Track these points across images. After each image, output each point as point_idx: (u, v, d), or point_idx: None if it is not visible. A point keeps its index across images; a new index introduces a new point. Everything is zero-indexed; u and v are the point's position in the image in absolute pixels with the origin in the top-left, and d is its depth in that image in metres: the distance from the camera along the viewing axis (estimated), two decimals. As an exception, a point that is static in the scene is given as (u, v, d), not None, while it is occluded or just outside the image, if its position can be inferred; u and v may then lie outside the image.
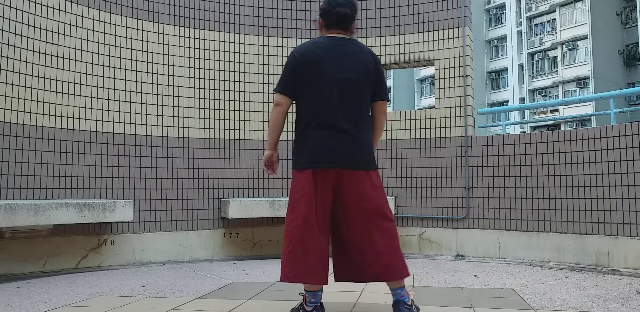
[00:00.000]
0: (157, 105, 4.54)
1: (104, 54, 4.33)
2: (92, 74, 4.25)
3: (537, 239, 4.21)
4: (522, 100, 31.90)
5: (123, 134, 4.36)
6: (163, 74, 4.60)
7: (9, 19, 3.82)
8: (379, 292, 3.05)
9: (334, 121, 2.28)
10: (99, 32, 4.32)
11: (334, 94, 2.30)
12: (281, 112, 2.39)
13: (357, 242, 2.31)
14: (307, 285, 2.32)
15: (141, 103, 4.48)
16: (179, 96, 4.64)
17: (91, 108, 4.23)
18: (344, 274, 2.40)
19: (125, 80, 4.42)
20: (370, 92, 2.40)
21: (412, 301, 2.34)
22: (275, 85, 2.53)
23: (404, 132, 4.88)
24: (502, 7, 34.63)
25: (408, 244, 4.76)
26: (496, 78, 34.84)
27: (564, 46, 29.98)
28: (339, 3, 2.41)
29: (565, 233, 4.07)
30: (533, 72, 32.27)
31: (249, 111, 4.89)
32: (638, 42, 27.67)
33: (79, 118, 4.16)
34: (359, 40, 5.02)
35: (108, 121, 4.31)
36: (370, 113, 2.45)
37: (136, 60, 4.48)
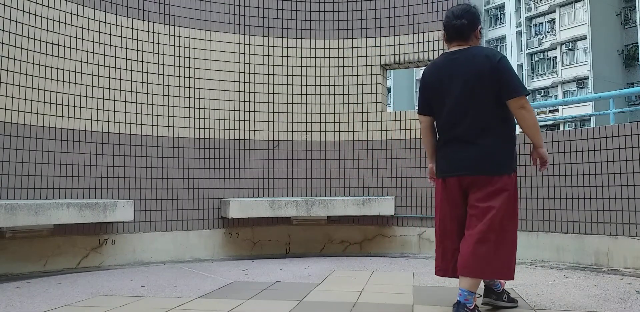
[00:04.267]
0: (158, 105, 4.55)
1: (104, 54, 4.33)
2: (92, 74, 4.26)
3: (536, 239, 4.22)
4: (521, 100, 31.84)
5: (123, 134, 4.37)
6: (163, 74, 4.60)
7: (9, 19, 3.82)
8: (379, 292, 3.06)
9: (455, 133, 2.45)
10: (99, 32, 4.32)
11: (451, 108, 2.44)
12: (425, 129, 2.66)
13: (462, 242, 2.42)
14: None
15: (142, 103, 4.48)
16: (179, 96, 4.65)
17: (91, 108, 4.24)
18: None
19: (126, 80, 4.42)
20: (493, 94, 2.38)
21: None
22: None
23: (404, 132, 4.89)
24: (501, 7, 34.65)
25: (408, 244, 4.77)
26: (496, 78, 34.77)
27: (563, 46, 30.01)
28: (456, 15, 2.48)
29: (565, 233, 4.08)
30: (532, 73, 32.30)
31: (249, 111, 4.90)
32: (637, 43, 27.70)
33: (79, 118, 4.17)
34: (359, 41, 5.10)
35: (108, 121, 4.31)
36: (490, 114, 2.43)
37: (136, 61, 4.49)
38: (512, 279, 2.44)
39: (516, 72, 2.49)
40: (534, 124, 2.43)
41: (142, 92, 4.49)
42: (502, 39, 34.30)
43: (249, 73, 4.94)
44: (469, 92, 2.40)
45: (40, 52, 3.98)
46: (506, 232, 2.39)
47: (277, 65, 5.03)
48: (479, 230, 2.34)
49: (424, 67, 2.71)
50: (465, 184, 2.44)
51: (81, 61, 4.21)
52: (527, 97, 2.39)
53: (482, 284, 2.53)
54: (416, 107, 2.75)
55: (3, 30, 3.77)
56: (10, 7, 3.83)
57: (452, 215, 2.50)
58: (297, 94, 5.06)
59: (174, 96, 4.63)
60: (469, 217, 2.43)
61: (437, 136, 2.62)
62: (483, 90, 2.38)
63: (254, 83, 4.95)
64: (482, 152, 2.39)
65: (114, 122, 4.34)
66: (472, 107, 2.40)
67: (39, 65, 3.97)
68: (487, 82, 2.37)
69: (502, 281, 2.50)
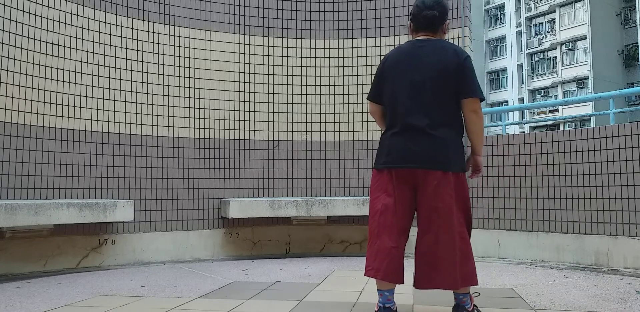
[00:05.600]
0: (158, 105, 4.55)
1: (104, 54, 4.33)
2: (92, 74, 4.26)
3: (536, 239, 4.22)
4: (521, 100, 31.94)
5: (123, 134, 4.37)
6: (163, 74, 4.60)
7: (9, 19, 3.82)
8: (379, 291, 3.06)
9: (409, 123, 2.30)
10: (99, 32, 4.33)
11: (409, 96, 2.31)
12: (377, 118, 2.54)
13: (421, 244, 2.30)
14: (377, 283, 2.33)
15: (142, 103, 4.48)
16: (179, 96, 4.65)
17: (91, 108, 4.24)
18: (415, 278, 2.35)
19: (126, 80, 4.42)
20: (452, 90, 2.30)
21: (475, 306, 2.33)
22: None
23: (404, 132, 4.89)
24: (501, 7, 34.67)
25: (408, 244, 4.76)
26: (496, 78, 34.87)
27: (563, 46, 30.03)
28: (427, 6, 2.41)
29: (565, 233, 4.08)
30: (532, 73, 32.30)
31: (249, 111, 4.90)
32: (637, 43, 27.70)
33: (79, 118, 4.17)
34: (359, 41, 5.10)
35: (108, 121, 4.31)
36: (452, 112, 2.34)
37: (136, 61, 4.49)
38: (477, 284, 2.31)
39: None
40: (480, 129, 2.36)
41: (142, 92, 4.49)
42: (502, 39, 34.31)
43: (249, 73, 4.94)
44: (432, 83, 2.29)
45: (40, 52, 3.98)
46: (467, 235, 2.31)
47: (277, 65, 5.03)
48: (450, 238, 2.21)
49: None
50: (417, 179, 2.27)
51: (81, 61, 4.21)
52: (481, 102, 2.33)
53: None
54: None
55: (3, 30, 3.77)
56: (10, 7, 3.83)
57: (398, 209, 2.31)
58: (297, 94, 5.06)
59: (174, 96, 4.63)
60: (426, 219, 2.27)
61: (386, 124, 2.44)
62: (446, 84, 2.30)
63: (254, 83, 4.95)
64: (438, 145, 2.26)
65: (114, 122, 4.34)
66: (433, 99, 2.29)
67: (39, 65, 3.97)
68: (451, 77, 2.29)
69: (473, 296, 2.37)
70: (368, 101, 2.54)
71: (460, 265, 2.22)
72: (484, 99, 2.37)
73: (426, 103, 2.29)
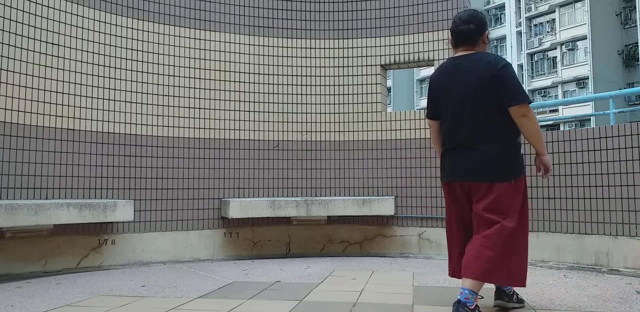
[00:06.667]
0: (158, 105, 4.55)
1: (104, 54, 4.33)
2: (92, 74, 4.26)
3: (536, 239, 4.22)
4: (521, 100, 31.84)
5: (123, 134, 4.37)
6: (164, 74, 4.60)
7: (9, 19, 3.82)
8: (379, 292, 3.07)
9: (457, 139, 2.48)
10: (99, 32, 4.33)
11: (452, 114, 2.49)
12: (434, 133, 2.71)
13: (469, 243, 2.48)
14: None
15: (142, 103, 4.48)
16: (179, 96, 4.65)
17: (91, 108, 4.24)
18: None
19: (126, 80, 4.42)
20: (494, 101, 2.39)
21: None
22: None
23: (404, 132, 4.89)
24: (501, 7, 34.65)
25: (408, 244, 4.77)
26: (496, 78, 34.77)
27: (563, 46, 30.01)
28: (463, 21, 2.51)
29: (565, 233, 4.08)
30: (532, 73, 32.30)
31: (249, 111, 4.90)
32: (637, 43, 27.70)
33: (80, 118, 4.17)
34: (359, 41, 5.10)
35: (108, 121, 4.31)
36: (492, 121, 2.44)
37: (136, 61, 4.49)
38: (524, 285, 2.44)
39: (519, 79, 2.49)
40: (534, 131, 2.41)
41: (142, 92, 4.49)
42: (502, 39, 34.29)
43: (249, 73, 4.95)
44: (470, 99, 2.42)
45: (40, 52, 3.98)
46: (514, 239, 2.38)
47: (277, 65, 5.03)
48: (485, 234, 2.36)
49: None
50: (467, 190, 2.48)
51: (81, 61, 4.21)
52: (529, 104, 2.38)
53: (488, 285, 2.50)
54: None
55: (3, 30, 3.77)
56: (10, 7, 3.83)
57: (459, 219, 2.55)
58: (297, 94, 5.06)
59: (174, 96, 4.63)
60: (475, 225, 2.45)
61: (442, 140, 2.64)
62: (483, 97, 2.40)
63: (254, 83, 4.95)
64: (482, 158, 2.41)
65: (114, 122, 4.34)
66: (473, 114, 2.42)
67: (39, 65, 3.97)
68: (487, 89, 2.39)
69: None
70: (427, 118, 2.73)
71: (505, 264, 2.37)
72: (531, 102, 2.43)
73: (468, 119, 2.43)
